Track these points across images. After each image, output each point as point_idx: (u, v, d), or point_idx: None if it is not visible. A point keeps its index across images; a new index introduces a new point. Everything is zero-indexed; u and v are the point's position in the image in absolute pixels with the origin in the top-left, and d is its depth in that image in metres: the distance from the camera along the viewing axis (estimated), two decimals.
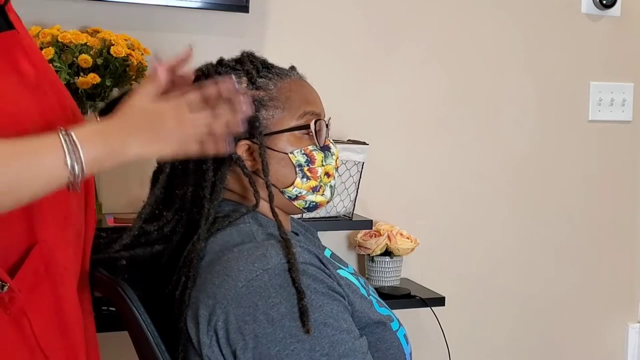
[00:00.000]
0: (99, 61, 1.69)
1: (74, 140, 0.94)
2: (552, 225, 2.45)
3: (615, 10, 2.42)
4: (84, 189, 1.15)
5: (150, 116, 1.01)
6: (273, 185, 1.21)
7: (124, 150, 0.98)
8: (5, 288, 0.95)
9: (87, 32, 1.74)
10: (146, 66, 1.79)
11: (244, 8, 1.95)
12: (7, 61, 1.00)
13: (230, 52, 1.30)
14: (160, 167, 1.25)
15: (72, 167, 0.94)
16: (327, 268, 1.17)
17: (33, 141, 0.94)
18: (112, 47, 1.70)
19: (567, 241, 2.47)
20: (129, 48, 1.73)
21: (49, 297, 1.02)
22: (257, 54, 1.29)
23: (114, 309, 1.27)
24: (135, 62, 1.73)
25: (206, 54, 1.32)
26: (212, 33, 1.98)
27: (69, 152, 0.93)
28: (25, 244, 1.00)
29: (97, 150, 0.96)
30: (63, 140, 0.94)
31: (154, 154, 1.02)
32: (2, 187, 0.90)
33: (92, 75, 1.67)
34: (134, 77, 1.77)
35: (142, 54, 1.77)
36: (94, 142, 0.96)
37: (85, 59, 1.66)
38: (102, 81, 1.69)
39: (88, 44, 1.69)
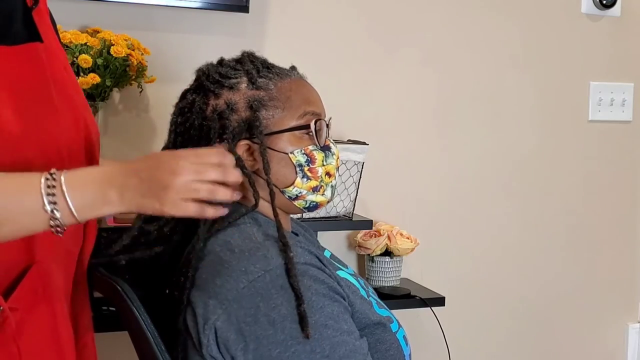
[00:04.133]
0: (99, 61, 1.69)
1: (61, 185, 0.91)
2: (552, 225, 2.44)
3: (615, 10, 2.42)
4: None
5: (161, 171, 0.95)
6: (274, 185, 1.21)
7: (121, 204, 0.94)
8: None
9: (87, 32, 1.74)
10: (146, 66, 1.79)
11: (244, 8, 1.95)
12: (5, 78, 0.97)
13: (230, 52, 1.29)
14: None
15: (52, 211, 0.91)
16: (327, 269, 1.16)
17: (19, 178, 0.92)
18: (112, 47, 1.70)
19: (567, 241, 2.47)
20: (129, 48, 1.73)
21: (45, 317, 1.01)
22: (257, 54, 1.29)
23: (114, 309, 1.27)
24: (135, 62, 1.73)
25: (206, 54, 1.32)
26: (212, 33, 1.97)
27: (47, 196, 0.90)
28: (23, 264, 0.99)
29: (85, 197, 0.92)
30: (44, 184, 0.91)
31: (150, 211, 0.96)
32: None
33: (92, 75, 1.67)
34: (134, 77, 1.77)
35: (142, 54, 1.77)
36: (85, 189, 0.93)
37: (85, 59, 1.66)
38: (102, 81, 1.69)
39: (88, 44, 1.69)
